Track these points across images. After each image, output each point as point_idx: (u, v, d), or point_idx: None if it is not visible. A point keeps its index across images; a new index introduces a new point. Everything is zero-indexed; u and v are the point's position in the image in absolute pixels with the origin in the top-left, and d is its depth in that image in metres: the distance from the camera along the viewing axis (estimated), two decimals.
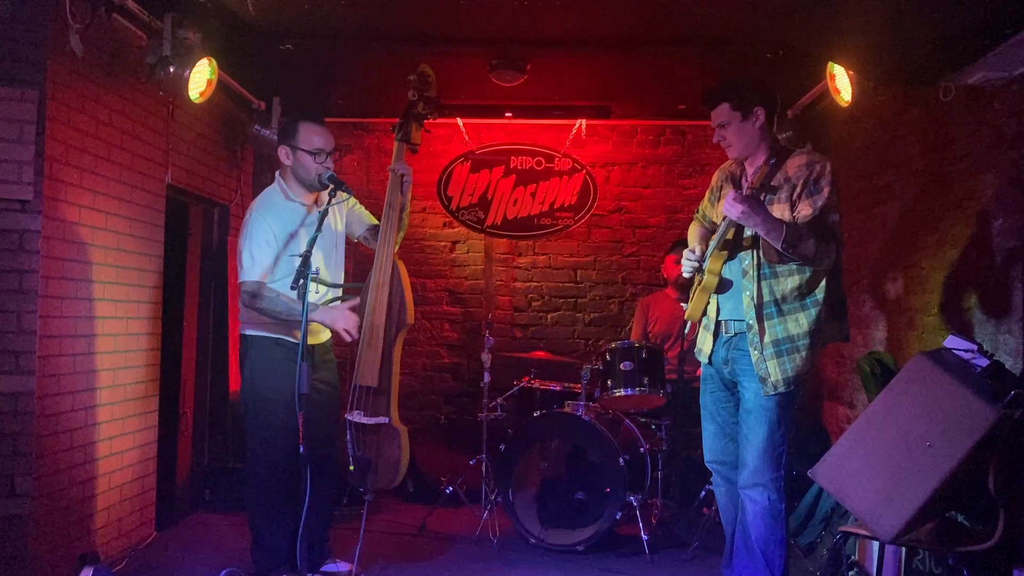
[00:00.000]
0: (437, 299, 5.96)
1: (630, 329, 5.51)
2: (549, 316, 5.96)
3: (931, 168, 3.88)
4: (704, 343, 3.25)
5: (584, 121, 5.78)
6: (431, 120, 3.75)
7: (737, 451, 3.15)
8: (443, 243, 5.98)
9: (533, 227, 5.85)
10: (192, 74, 4.01)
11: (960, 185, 3.62)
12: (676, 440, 4.65)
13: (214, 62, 4.16)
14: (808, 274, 2.98)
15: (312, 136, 3.50)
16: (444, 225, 5.96)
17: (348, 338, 3.47)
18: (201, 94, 4.18)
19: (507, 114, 5.67)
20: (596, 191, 5.82)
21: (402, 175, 3.60)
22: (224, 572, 2.32)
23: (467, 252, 5.97)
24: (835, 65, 4.02)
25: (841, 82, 4.02)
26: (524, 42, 4.46)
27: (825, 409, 5.18)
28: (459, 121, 5.77)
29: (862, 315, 4.62)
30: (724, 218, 3.00)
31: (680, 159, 5.95)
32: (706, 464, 3.32)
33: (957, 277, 3.65)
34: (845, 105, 4.05)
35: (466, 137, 5.82)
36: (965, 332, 3.49)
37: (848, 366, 4.77)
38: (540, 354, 5.11)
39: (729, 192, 2.89)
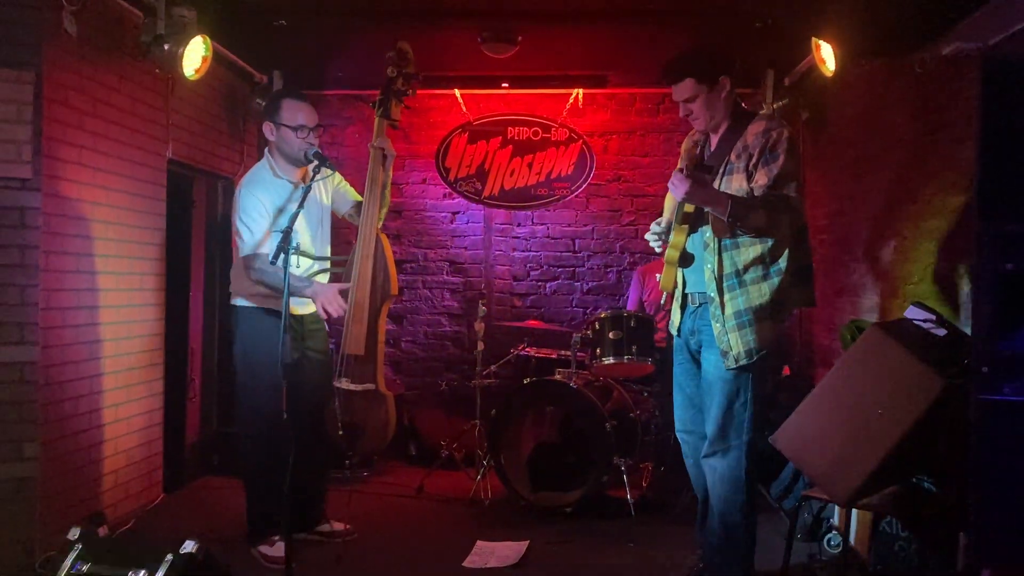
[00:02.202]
0: (438, 269, 6.07)
1: (627, 297, 5.59)
2: (547, 285, 6.05)
3: (914, 138, 3.89)
4: (675, 315, 3.29)
5: (581, 90, 5.80)
6: (410, 97, 3.82)
7: (704, 425, 3.18)
8: (443, 214, 6.08)
9: (530, 197, 5.91)
10: (187, 52, 4.10)
11: (939, 155, 3.64)
12: (666, 406, 4.74)
13: (208, 39, 4.24)
14: (770, 243, 2.95)
15: (295, 112, 3.59)
16: (444, 196, 6.04)
17: (323, 315, 3.58)
18: (196, 71, 4.26)
19: (504, 84, 5.72)
20: (593, 160, 5.87)
21: (383, 152, 3.69)
22: (188, 543, 2.45)
23: (467, 223, 6.06)
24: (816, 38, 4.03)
25: (825, 53, 4.03)
26: (514, 14, 4.50)
27: (818, 375, 5.24)
28: (457, 92, 5.82)
29: (851, 283, 4.66)
30: None
31: (679, 127, 5.93)
32: (676, 433, 3.37)
33: (936, 247, 3.68)
34: (829, 76, 4.07)
35: (464, 108, 5.88)
36: (942, 301, 3.54)
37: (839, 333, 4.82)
38: (535, 323, 5.22)
39: (674, 173, 2.88)
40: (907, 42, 3.45)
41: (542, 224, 6.03)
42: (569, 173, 5.88)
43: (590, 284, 6.01)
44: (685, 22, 4.53)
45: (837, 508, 3.78)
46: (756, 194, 2.90)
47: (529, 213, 6.01)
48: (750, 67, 5.04)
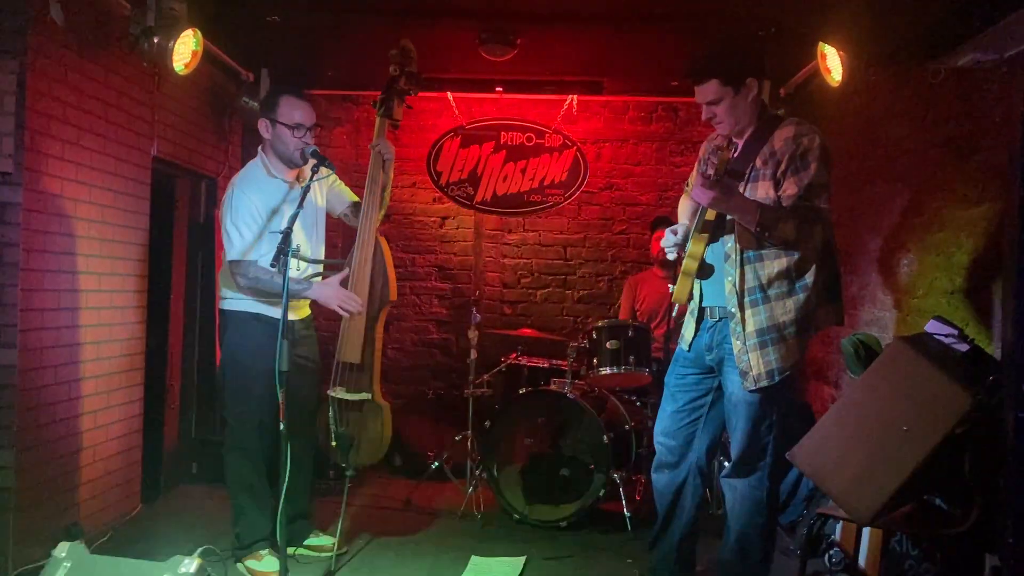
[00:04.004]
0: (426, 275, 5.95)
1: (619, 307, 5.51)
2: (538, 293, 5.95)
3: (920, 150, 3.86)
4: (687, 329, 3.12)
5: (575, 97, 5.73)
6: (412, 96, 3.71)
7: (688, 437, 3.09)
8: (433, 219, 5.96)
9: (523, 204, 5.82)
10: (176, 45, 3.95)
11: (947, 168, 3.61)
12: None
13: (199, 33, 4.10)
14: (796, 256, 2.80)
15: (292, 110, 3.46)
16: (434, 200, 5.92)
17: (347, 314, 3.46)
18: (186, 66, 4.12)
19: (498, 88, 5.62)
20: (587, 168, 5.79)
21: (384, 153, 3.57)
22: (200, 550, 2.32)
23: (457, 228, 5.95)
24: (825, 45, 3.98)
25: (832, 62, 3.99)
26: (514, 16, 4.41)
27: (811, 389, 5.19)
28: (449, 95, 5.71)
29: (849, 295, 4.61)
30: None
31: (672, 136, 5.91)
32: (654, 436, 3.21)
33: (942, 260, 3.64)
34: (835, 85, 4.02)
35: (456, 112, 5.77)
36: (948, 315, 3.49)
37: (834, 346, 4.77)
38: (528, 331, 5.11)
39: (697, 178, 2.71)
40: (921, 52, 3.40)
41: (533, 231, 5.94)
42: (563, 180, 5.79)
43: (581, 292, 5.93)
44: (685, 28, 4.47)
45: (840, 524, 3.72)
46: (784, 204, 2.75)
47: (520, 220, 5.91)
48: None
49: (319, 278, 3.68)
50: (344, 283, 3.48)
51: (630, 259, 5.90)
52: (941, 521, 2.86)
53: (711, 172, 2.64)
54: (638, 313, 5.18)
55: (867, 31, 3.45)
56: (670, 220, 4.59)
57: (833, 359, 4.85)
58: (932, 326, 2.87)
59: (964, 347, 2.73)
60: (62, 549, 2.29)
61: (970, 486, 2.61)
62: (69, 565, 2.24)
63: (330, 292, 3.43)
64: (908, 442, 2.53)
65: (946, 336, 2.78)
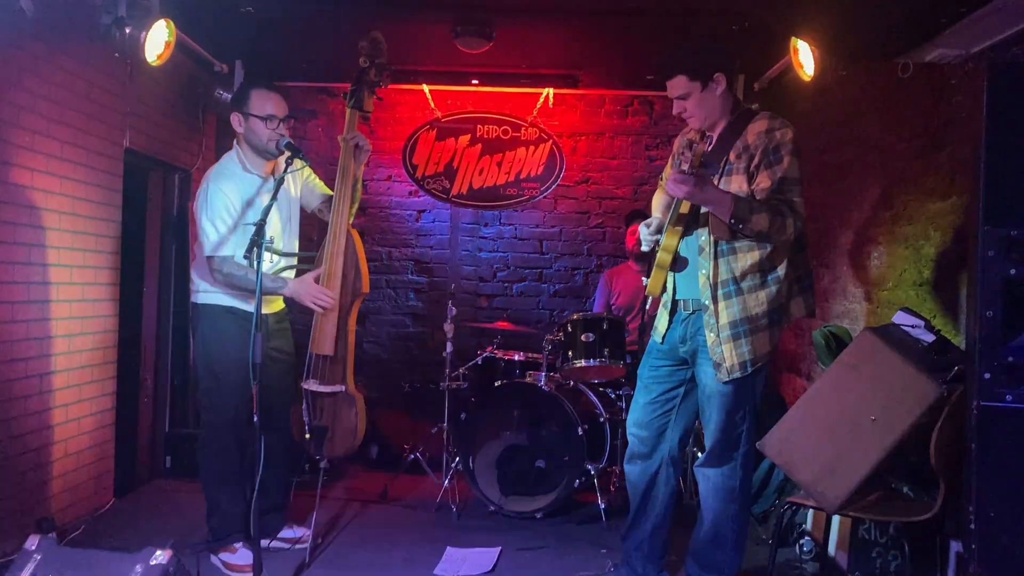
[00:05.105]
0: (402, 268, 5.95)
1: (594, 300, 5.53)
2: (514, 286, 5.97)
3: (889, 144, 3.91)
4: (660, 321, 3.15)
5: (552, 90, 5.74)
6: (383, 88, 3.70)
7: (661, 428, 3.12)
8: (409, 212, 5.95)
9: (499, 197, 5.82)
10: (149, 35, 3.92)
11: (916, 162, 3.66)
12: None
13: (172, 24, 4.07)
14: (768, 249, 2.83)
15: (264, 102, 3.44)
16: (410, 194, 5.92)
17: (320, 310, 3.45)
18: (159, 56, 4.08)
19: (474, 81, 5.62)
20: (563, 161, 5.81)
21: (357, 144, 3.55)
22: (172, 542, 2.32)
23: (433, 221, 5.95)
24: (798, 40, 4.02)
25: (804, 57, 4.03)
26: (490, 8, 4.40)
27: (783, 380, 5.25)
28: (425, 88, 5.70)
29: (820, 288, 4.67)
30: None
31: (647, 130, 5.94)
32: (627, 427, 3.24)
33: (911, 252, 3.70)
34: (808, 80, 4.06)
35: (432, 104, 5.76)
36: (916, 307, 3.55)
37: (807, 338, 4.83)
38: (504, 324, 5.12)
39: (672, 172, 2.75)
40: (890, 47, 3.45)
41: (509, 224, 5.95)
42: (539, 173, 5.81)
43: (557, 286, 5.95)
44: (661, 23, 4.48)
45: (811, 513, 3.77)
46: (758, 197, 2.78)
47: (496, 213, 5.92)
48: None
49: (292, 271, 3.67)
50: (318, 280, 3.48)
51: (606, 253, 5.93)
52: (907, 509, 2.91)
53: (685, 166, 2.66)
54: (614, 307, 5.21)
55: (838, 27, 3.49)
56: (646, 214, 4.61)
57: (805, 351, 4.91)
58: (899, 317, 2.91)
59: (930, 337, 2.78)
60: (32, 542, 2.28)
61: (935, 474, 2.65)
62: (39, 558, 2.23)
63: (302, 289, 3.43)
64: (875, 431, 2.58)
65: (913, 327, 2.82)
